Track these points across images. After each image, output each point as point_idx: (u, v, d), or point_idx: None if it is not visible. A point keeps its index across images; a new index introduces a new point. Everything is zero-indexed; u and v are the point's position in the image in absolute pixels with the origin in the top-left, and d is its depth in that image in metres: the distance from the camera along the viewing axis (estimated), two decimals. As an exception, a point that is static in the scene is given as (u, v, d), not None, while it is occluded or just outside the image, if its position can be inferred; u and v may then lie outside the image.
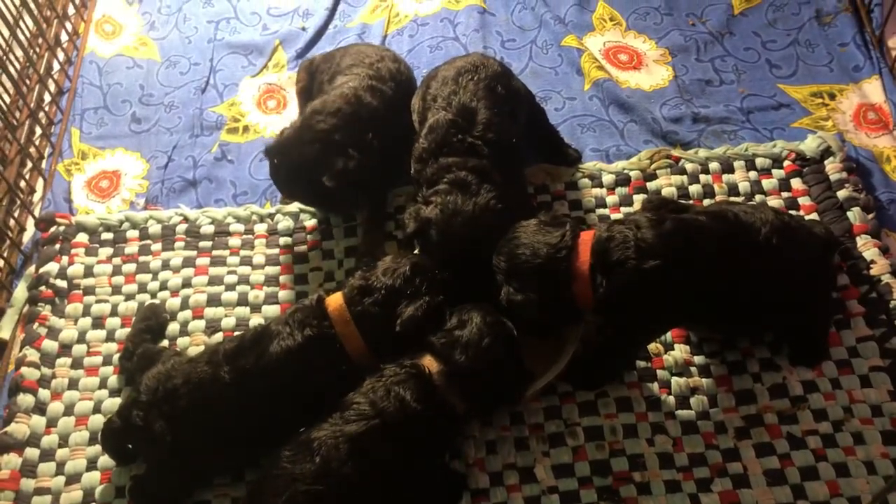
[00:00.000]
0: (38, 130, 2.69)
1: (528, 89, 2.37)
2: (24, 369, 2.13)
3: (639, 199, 2.33)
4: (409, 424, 1.72)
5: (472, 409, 1.80)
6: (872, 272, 2.14)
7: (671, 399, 2.01)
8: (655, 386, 2.02)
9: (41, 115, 2.71)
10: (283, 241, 2.37)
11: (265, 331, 1.90)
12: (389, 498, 1.76)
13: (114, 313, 2.25)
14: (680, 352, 2.07)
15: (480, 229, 1.96)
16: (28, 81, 2.75)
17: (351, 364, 1.85)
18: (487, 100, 2.14)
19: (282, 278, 2.30)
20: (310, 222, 2.40)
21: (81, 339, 2.22)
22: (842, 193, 2.28)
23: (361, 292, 1.87)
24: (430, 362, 1.78)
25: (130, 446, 1.95)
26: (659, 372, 2.04)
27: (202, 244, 2.37)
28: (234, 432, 1.87)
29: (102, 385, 2.13)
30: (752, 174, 2.37)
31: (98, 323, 2.24)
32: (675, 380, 2.03)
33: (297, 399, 1.85)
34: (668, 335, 2.08)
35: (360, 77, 2.30)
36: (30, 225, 2.49)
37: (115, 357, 2.16)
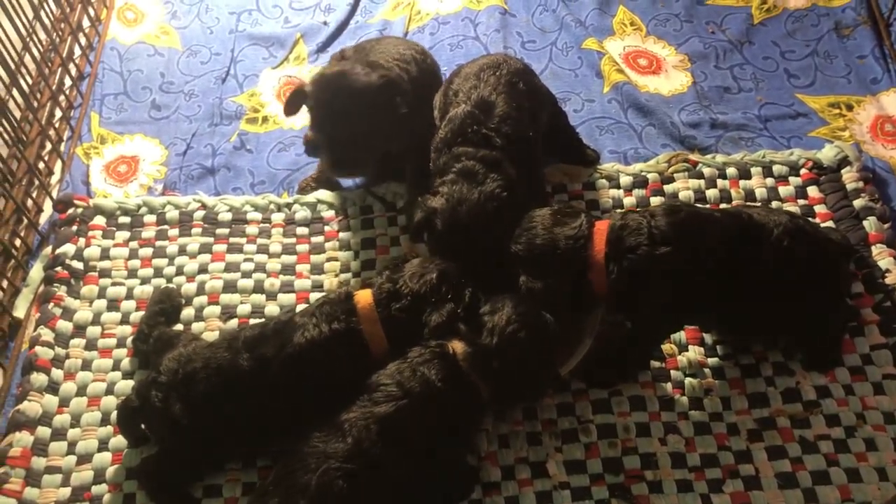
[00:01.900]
0: (59, 113, 2.70)
1: (550, 91, 2.38)
2: (38, 348, 2.13)
3: (656, 201, 2.34)
4: (435, 405, 1.72)
5: (496, 395, 1.80)
6: (887, 281, 2.14)
7: (684, 399, 2.01)
8: (669, 386, 2.03)
9: (62, 98, 2.72)
10: (299, 230, 2.38)
11: (289, 322, 1.90)
12: (411, 483, 1.76)
13: (129, 296, 2.26)
14: (694, 353, 2.08)
15: (485, 217, 1.96)
16: (50, 64, 2.76)
17: (371, 360, 1.85)
18: (507, 94, 2.15)
19: (298, 267, 2.31)
20: (327, 213, 2.41)
21: (96, 320, 2.22)
22: (858, 203, 2.30)
23: (389, 296, 1.87)
24: (456, 344, 1.79)
25: (144, 426, 1.95)
26: (673, 372, 2.05)
27: (219, 231, 2.37)
28: (250, 419, 1.86)
29: (116, 367, 2.14)
30: (769, 181, 2.39)
31: (113, 305, 2.25)
32: (688, 381, 2.03)
33: (312, 389, 1.85)
34: (683, 336, 2.09)
35: (390, 61, 2.31)
36: (47, 206, 2.50)
37: (130, 340, 2.16)
